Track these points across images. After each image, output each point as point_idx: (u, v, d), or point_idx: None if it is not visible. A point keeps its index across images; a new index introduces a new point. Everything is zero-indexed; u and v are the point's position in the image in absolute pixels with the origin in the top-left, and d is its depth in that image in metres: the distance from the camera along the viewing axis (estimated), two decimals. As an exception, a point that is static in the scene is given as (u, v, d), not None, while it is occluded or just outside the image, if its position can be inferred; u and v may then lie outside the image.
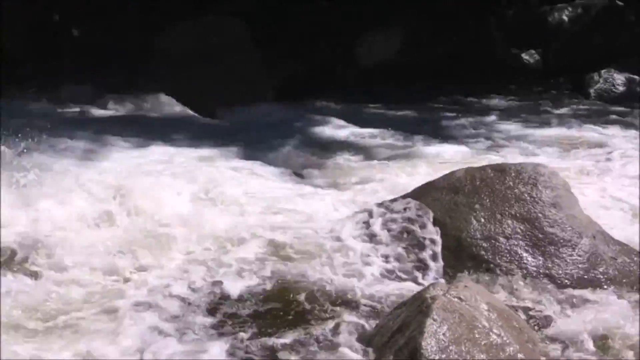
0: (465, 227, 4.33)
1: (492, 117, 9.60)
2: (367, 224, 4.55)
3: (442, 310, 3.09)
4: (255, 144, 7.54)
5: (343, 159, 7.14)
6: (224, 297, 3.88)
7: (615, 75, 11.22)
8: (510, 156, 7.12)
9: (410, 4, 11.39)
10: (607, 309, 3.75)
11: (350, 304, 3.79)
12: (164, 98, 9.87)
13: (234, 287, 3.96)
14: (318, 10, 11.15)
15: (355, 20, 11.15)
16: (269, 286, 3.99)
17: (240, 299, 3.88)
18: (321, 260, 4.26)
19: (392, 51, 11.29)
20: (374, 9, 11.22)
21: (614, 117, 9.47)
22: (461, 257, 4.24)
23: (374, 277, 4.10)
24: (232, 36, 10.31)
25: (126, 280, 4.13)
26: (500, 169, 4.65)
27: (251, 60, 10.19)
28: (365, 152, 7.48)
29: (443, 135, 8.29)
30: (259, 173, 6.38)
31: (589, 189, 5.87)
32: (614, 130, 8.47)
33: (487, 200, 4.45)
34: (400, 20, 11.53)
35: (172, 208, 5.05)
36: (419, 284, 4.03)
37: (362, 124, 8.68)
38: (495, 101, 10.89)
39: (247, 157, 6.97)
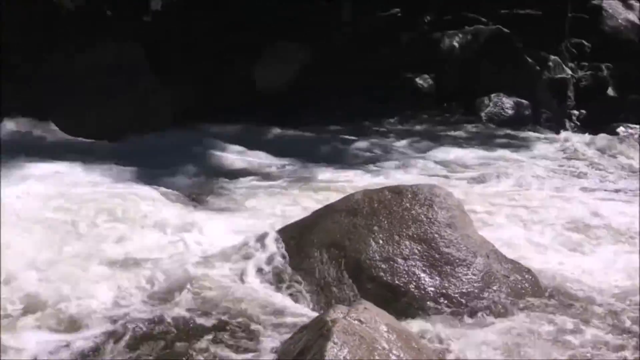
0: (364, 249, 4.37)
1: (390, 140, 9.79)
2: (263, 251, 4.54)
3: (342, 333, 3.10)
4: (151, 169, 7.38)
5: (242, 184, 7.09)
6: (127, 327, 3.78)
7: (504, 99, 11.66)
8: (408, 178, 7.26)
9: (307, 32, 11.53)
10: (502, 327, 3.86)
11: (251, 331, 3.75)
12: (55, 123, 9.56)
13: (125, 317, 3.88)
14: (217, 33, 11.09)
15: (255, 43, 11.17)
16: (163, 316, 3.91)
17: (136, 327, 3.78)
18: (217, 288, 4.20)
19: (291, 74, 11.38)
20: (274, 31, 11.28)
21: (503, 139, 9.85)
22: (361, 279, 4.26)
23: (271, 303, 4.07)
24: (130, 61, 10.13)
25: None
26: (397, 191, 4.73)
27: (149, 85, 10.03)
28: (265, 176, 7.46)
29: (343, 159, 8.39)
30: (153, 199, 6.24)
31: (486, 208, 6.09)
32: (503, 151, 8.80)
33: (385, 222, 4.51)
34: (299, 43, 11.63)
35: (59, 236, 4.90)
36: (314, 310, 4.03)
37: (262, 149, 8.67)
38: (392, 124, 11.11)
39: (142, 182, 6.81)
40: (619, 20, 14.34)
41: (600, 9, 14.45)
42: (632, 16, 14.46)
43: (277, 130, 10.32)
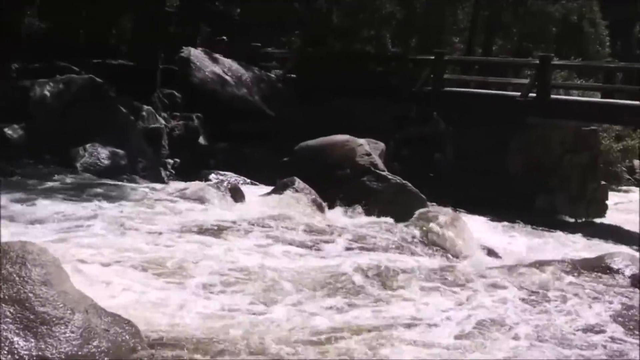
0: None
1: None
2: None
3: None
4: None
5: None
6: None
7: (99, 149, 11.59)
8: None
9: None
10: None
11: None
12: None
13: None
14: None
15: None
16: None
17: None
18: None
19: None
20: None
21: (99, 190, 9.71)
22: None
23: None
24: None
25: None
26: (-14, 250, 4.41)
27: None
28: None
29: None
30: None
31: (86, 261, 5.99)
32: (99, 202, 8.68)
33: (-29, 285, 4.16)
34: None
35: None
36: None
37: None
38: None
39: None
40: (206, 73, 15.37)
41: (189, 61, 15.34)
42: (217, 69, 15.60)
43: None
